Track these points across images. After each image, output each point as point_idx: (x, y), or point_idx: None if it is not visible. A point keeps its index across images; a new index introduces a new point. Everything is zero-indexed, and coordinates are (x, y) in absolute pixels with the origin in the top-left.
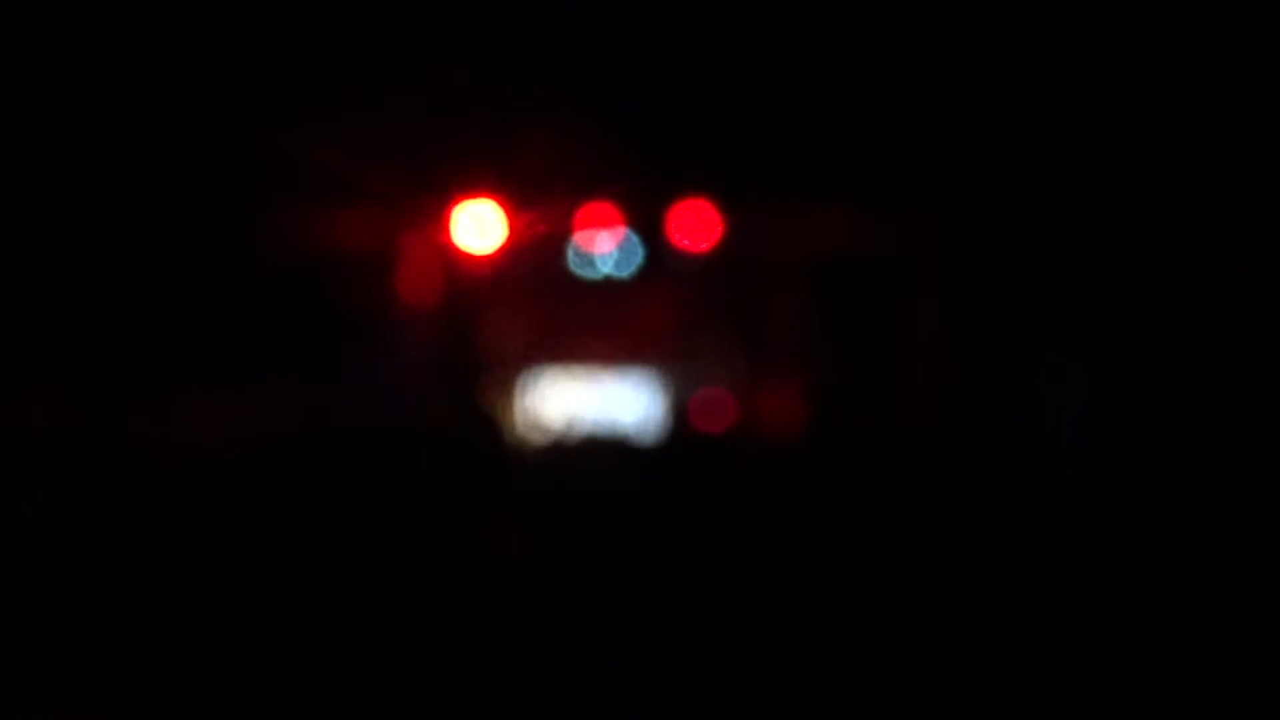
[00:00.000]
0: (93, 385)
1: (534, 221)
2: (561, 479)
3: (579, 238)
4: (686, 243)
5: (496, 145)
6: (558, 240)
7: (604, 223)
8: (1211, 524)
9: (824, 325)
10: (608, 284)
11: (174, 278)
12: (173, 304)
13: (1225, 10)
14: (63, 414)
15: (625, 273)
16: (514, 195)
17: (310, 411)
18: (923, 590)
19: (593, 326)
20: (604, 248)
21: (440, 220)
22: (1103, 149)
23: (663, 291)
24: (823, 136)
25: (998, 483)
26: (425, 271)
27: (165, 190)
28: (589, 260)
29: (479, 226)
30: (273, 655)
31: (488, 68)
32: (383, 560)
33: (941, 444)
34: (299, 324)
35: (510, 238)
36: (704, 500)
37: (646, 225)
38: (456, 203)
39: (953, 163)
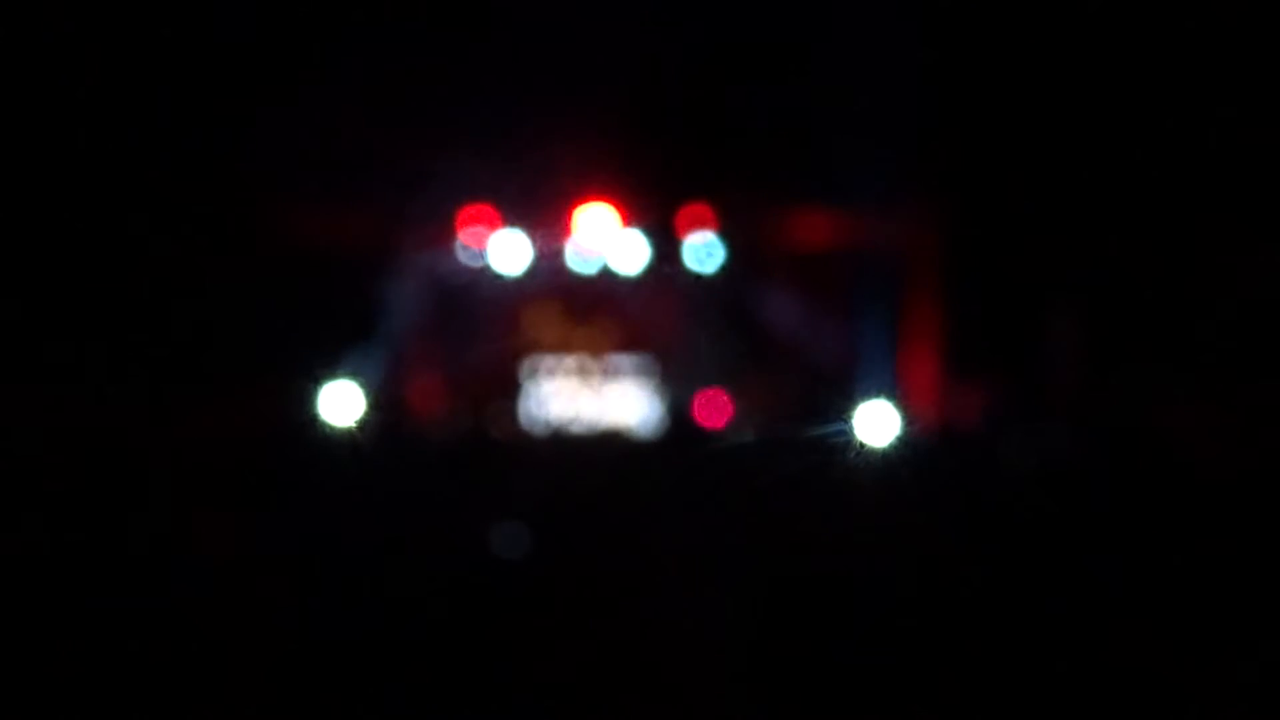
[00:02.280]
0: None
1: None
2: (563, 478)
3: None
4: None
5: (498, 149)
6: (557, 240)
7: (603, 223)
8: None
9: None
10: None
11: (176, 281)
12: (173, 306)
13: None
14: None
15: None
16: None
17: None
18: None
19: (593, 324)
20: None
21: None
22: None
23: (662, 290)
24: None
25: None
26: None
27: (168, 193)
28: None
29: (480, 228)
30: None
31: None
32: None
33: (942, 440)
34: (303, 326)
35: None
36: (704, 498)
37: (650, 225)
38: (461, 207)
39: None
